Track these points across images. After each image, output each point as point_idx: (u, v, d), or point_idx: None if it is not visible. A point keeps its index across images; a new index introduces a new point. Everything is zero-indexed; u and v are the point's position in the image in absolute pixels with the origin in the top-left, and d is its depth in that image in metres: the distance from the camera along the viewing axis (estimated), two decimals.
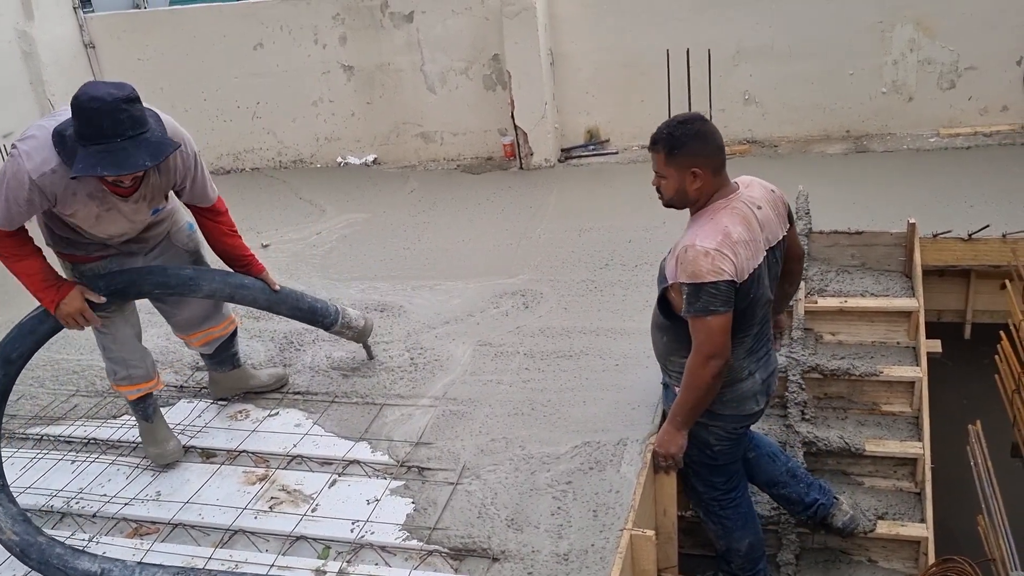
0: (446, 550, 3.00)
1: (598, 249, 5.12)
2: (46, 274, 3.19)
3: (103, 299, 3.29)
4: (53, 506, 3.48)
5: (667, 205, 3.02)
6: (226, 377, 4.00)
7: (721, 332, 2.84)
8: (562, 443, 3.44)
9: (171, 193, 3.38)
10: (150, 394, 3.69)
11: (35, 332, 3.35)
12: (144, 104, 2.92)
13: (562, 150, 6.81)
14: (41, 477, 3.68)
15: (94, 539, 3.27)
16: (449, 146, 7.14)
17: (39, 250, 3.19)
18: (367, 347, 4.16)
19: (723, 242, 2.79)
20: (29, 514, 3.43)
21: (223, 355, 3.94)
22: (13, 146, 2.95)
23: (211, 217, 3.46)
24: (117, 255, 3.40)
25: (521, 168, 6.69)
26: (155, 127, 2.89)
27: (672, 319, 3.06)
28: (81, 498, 3.51)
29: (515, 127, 6.59)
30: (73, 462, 3.76)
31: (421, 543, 3.04)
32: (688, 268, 2.80)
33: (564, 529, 3.01)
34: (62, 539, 3.26)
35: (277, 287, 3.68)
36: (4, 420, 4.02)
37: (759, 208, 2.92)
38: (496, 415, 3.68)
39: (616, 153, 6.69)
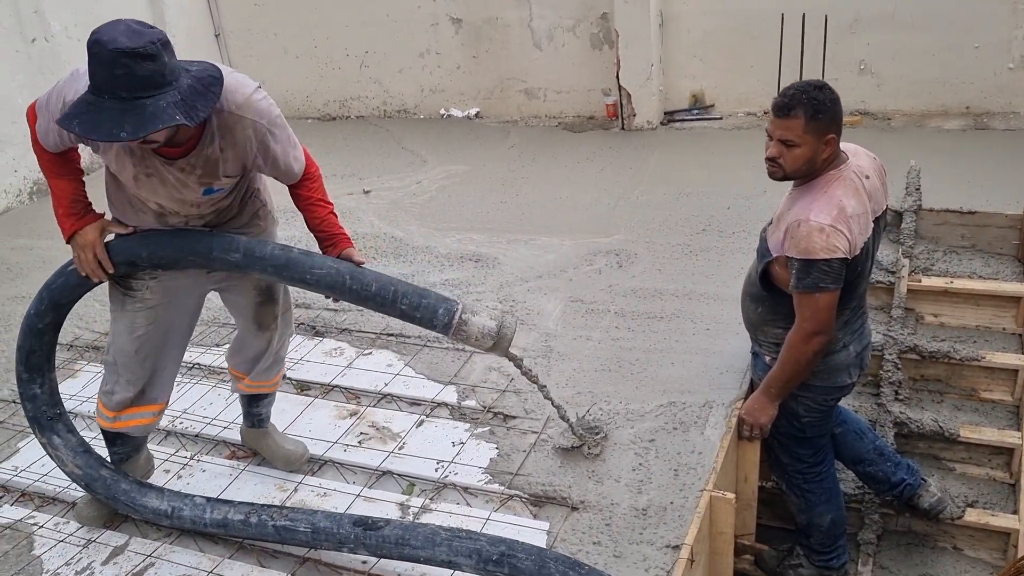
0: (526, 496, 3.06)
1: (695, 214, 5.06)
2: (74, 200, 2.72)
3: (129, 229, 2.74)
4: (159, 424, 3.67)
5: (783, 178, 2.85)
6: (246, 432, 3.45)
7: (828, 309, 2.79)
8: (647, 401, 3.45)
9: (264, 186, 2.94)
10: (130, 436, 3.06)
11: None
12: (209, 62, 2.44)
13: (665, 113, 6.73)
14: None
15: (195, 457, 3.45)
16: (552, 103, 7.13)
17: (79, 176, 2.75)
18: (513, 359, 2.95)
19: (838, 217, 2.72)
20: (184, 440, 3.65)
21: (251, 409, 3.39)
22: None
23: (298, 184, 2.84)
24: None
25: (623, 129, 6.64)
26: (174, 92, 2.27)
27: (770, 290, 3.01)
28: (184, 418, 3.69)
29: (619, 87, 6.53)
30: (178, 384, 3.95)
31: (502, 487, 3.11)
32: (800, 243, 2.74)
33: (644, 485, 3.03)
34: (166, 455, 3.47)
35: (363, 261, 2.90)
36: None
37: (867, 178, 2.84)
38: (583, 370, 3.71)
39: (720, 119, 6.58)
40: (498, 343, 2.78)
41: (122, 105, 2.22)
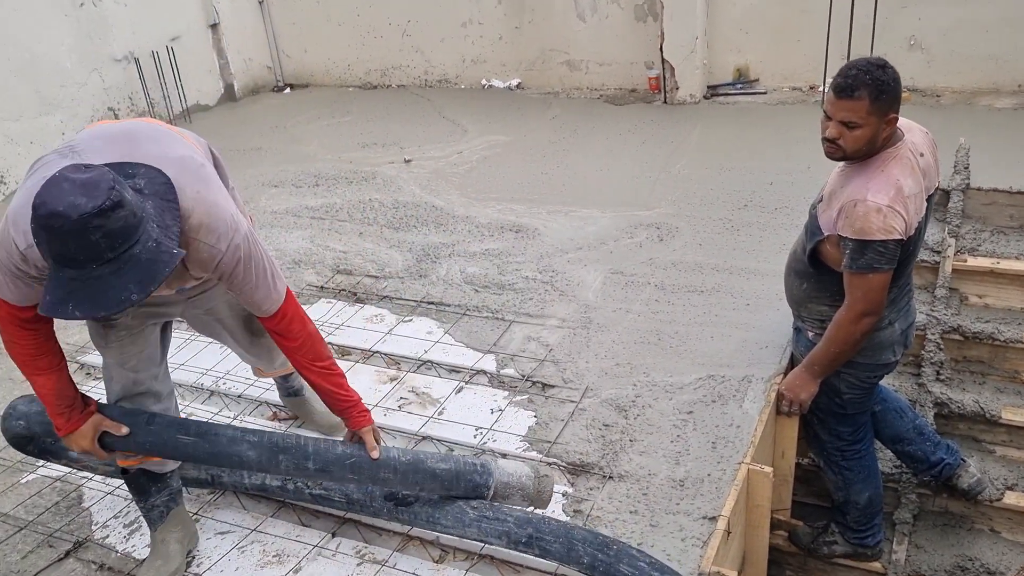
0: (564, 464, 3.09)
1: (737, 189, 5.02)
2: (59, 396, 2.48)
3: (124, 430, 2.54)
4: (203, 384, 3.75)
5: (842, 158, 2.82)
6: (285, 400, 3.48)
7: (880, 290, 2.77)
8: (686, 374, 3.46)
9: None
10: (154, 475, 2.78)
11: None
12: (153, 170, 2.14)
13: (708, 87, 6.65)
14: (193, 357, 3.95)
15: (238, 418, 3.52)
16: (594, 75, 7.08)
17: (59, 362, 2.46)
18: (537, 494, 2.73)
19: (895, 197, 2.68)
20: (182, 389, 3.73)
21: (283, 383, 3.41)
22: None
23: (273, 329, 2.51)
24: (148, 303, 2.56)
25: (665, 102, 6.58)
26: (150, 223, 2.03)
27: (817, 268, 2.99)
28: (228, 379, 3.76)
29: (663, 60, 6.47)
30: (221, 347, 4.02)
31: (540, 455, 3.14)
32: (856, 223, 2.71)
33: (682, 456, 3.04)
34: (209, 415, 3.54)
35: (376, 453, 2.62)
36: None
37: (921, 155, 2.81)
38: (622, 341, 3.72)
39: (764, 93, 6.49)
40: (535, 497, 2.70)
41: (113, 266, 1.97)
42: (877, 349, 3.03)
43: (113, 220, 1.93)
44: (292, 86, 8.28)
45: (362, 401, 2.69)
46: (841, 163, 2.91)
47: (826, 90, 2.84)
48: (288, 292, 2.49)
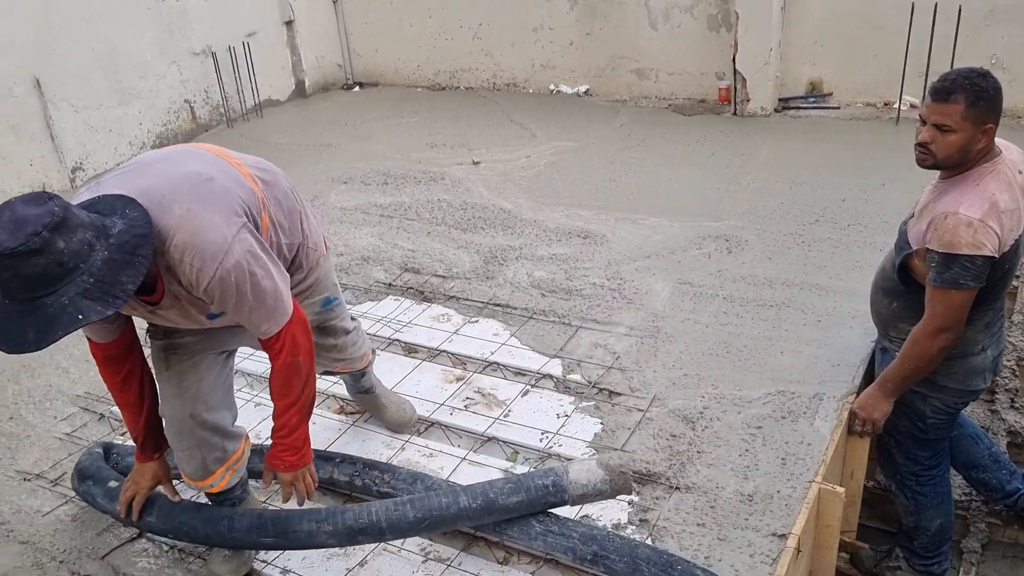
0: (630, 472, 3.07)
1: (809, 204, 4.96)
2: (136, 433, 2.61)
3: (178, 498, 2.73)
4: (266, 375, 3.79)
5: (932, 166, 2.76)
6: (358, 399, 3.45)
7: (962, 307, 2.71)
8: (755, 388, 3.42)
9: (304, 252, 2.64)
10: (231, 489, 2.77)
11: None
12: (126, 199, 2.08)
13: (780, 99, 6.58)
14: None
15: None
16: (663, 84, 7.06)
17: (138, 402, 2.55)
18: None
19: (989, 212, 2.62)
20: (250, 379, 3.79)
21: (351, 383, 3.38)
22: None
23: (264, 346, 2.42)
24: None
25: (735, 114, 6.53)
26: (81, 278, 1.92)
27: (908, 285, 2.93)
28: None
29: (735, 71, 6.42)
30: None
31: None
32: (945, 236, 2.65)
33: (750, 471, 3.01)
34: None
35: (284, 503, 2.65)
36: None
37: (1020, 173, 2.74)
38: (690, 352, 3.70)
39: (838, 108, 6.41)
40: (609, 487, 2.66)
41: (21, 307, 1.91)
42: (969, 375, 2.96)
43: (26, 266, 1.86)
44: (362, 84, 8.38)
45: (300, 451, 2.55)
46: (935, 179, 2.85)
47: (924, 96, 2.80)
48: (295, 316, 2.37)
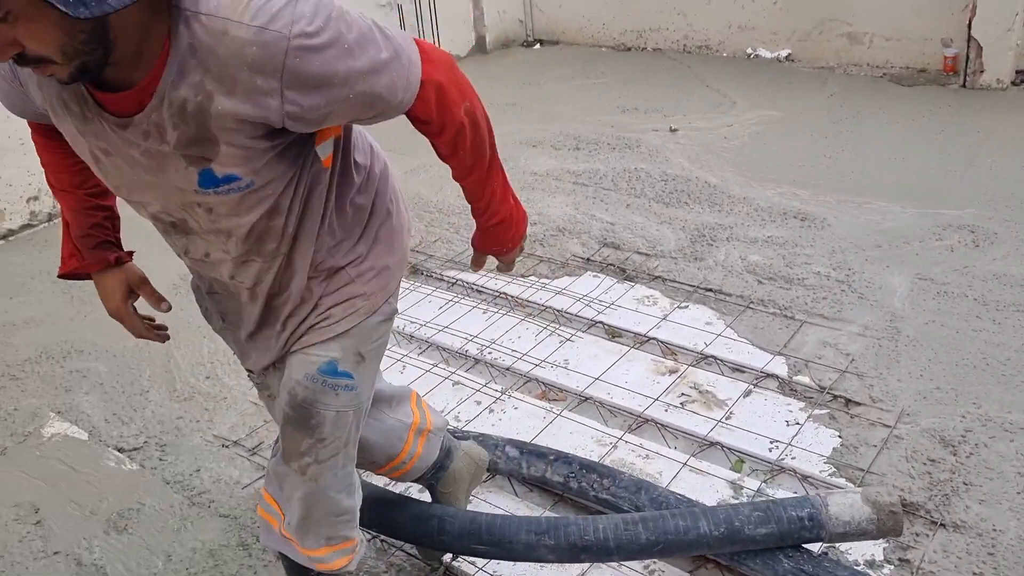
0: (902, 513, 2.67)
1: None
2: (73, 226, 1.90)
3: (165, 306, 1.99)
4: (468, 351, 3.58)
5: None
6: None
7: None
8: None
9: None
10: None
11: None
12: None
13: (1017, 72, 5.85)
14: (456, 320, 3.80)
15: (506, 392, 3.32)
16: (877, 51, 6.41)
17: (80, 180, 1.83)
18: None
19: None
20: (447, 354, 3.58)
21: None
22: None
23: (423, 127, 1.59)
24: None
25: (963, 86, 5.84)
26: None
27: None
28: (493, 348, 3.58)
29: (968, 38, 5.73)
30: (485, 312, 3.85)
31: (851, 484, 2.74)
32: None
33: None
34: (479, 384, 3.36)
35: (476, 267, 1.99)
36: (424, 258, 4.23)
37: None
38: (941, 361, 3.23)
39: None
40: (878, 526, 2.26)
41: None
42: None
43: None
44: (542, 42, 8.07)
45: (517, 219, 1.87)
46: None
47: None
48: (427, 53, 1.52)
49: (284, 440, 1.86)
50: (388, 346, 3.57)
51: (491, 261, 1.98)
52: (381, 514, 2.50)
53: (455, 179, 1.75)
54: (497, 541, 2.38)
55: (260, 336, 1.83)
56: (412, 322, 3.79)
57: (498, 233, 1.86)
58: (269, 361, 1.86)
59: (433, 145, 1.66)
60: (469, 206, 1.83)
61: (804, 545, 2.34)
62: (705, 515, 2.33)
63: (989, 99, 5.60)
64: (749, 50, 6.97)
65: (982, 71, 5.74)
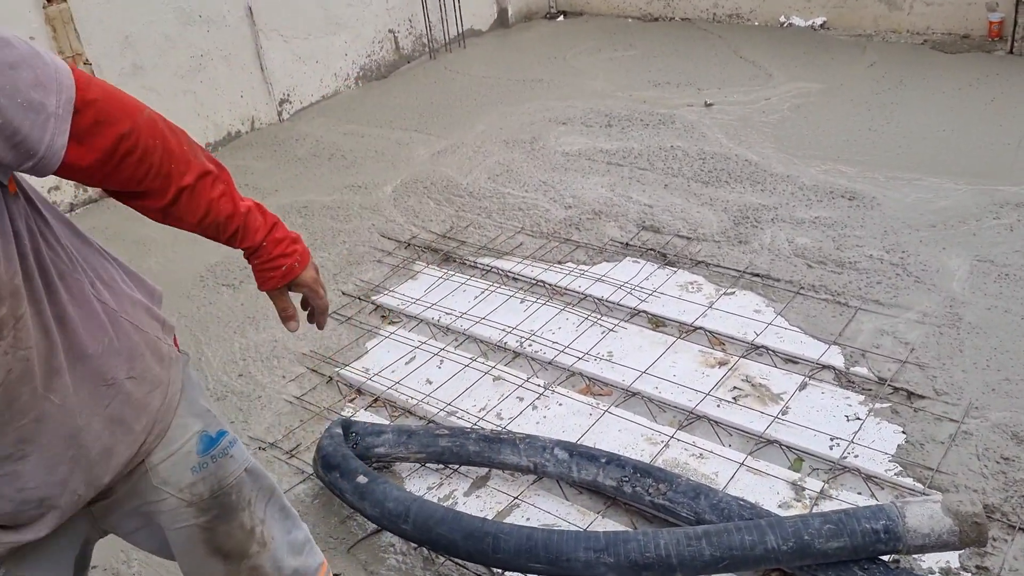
0: (986, 523, 2.53)
1: None
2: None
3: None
4: (507, 343, 3.44)
5: None
6: None
7: None
8: None
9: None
10: None
11: None
12: None
13: None
14: (493, 311, 3.66)
15: (549, 388, 3.19)
16: (917, 16, 6.18)
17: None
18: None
19: None
20: (486, 347, 3.45)
21: None
22: None
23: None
24: None
25: (1011, 52, 5.61)
26: None
27: None
28: (533, 340, 3.44)
29: (1016, 1, 5.49)
30: (523, 301, 3.71)
31: (920, 485, 2.60)
32: None
33: None
34: (520, 380, 3.23)
35: (293, 325, 1.82)
36: (456, 245, 4.09)
37: None
38: (1008, 350, 3.07)
39: None
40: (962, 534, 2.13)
41: None
42: None
43: None
44: (565, 13, 7.85)
45: (288, 235, 1.68)
46: None
47: None
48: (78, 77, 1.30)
49: (225, 554, 1.64)
50: (425, 339, 3.44)
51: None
52: (432, 532, 2.38)
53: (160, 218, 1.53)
54: (555, 559, 2.26)
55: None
56: (448, 313, 3.66)
57: (282, 253, 1.66)
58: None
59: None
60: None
61: (879, 554, 2.21)
62: (773, 528, 2.19)
63: None
64: (782, 18, 6.74)
65: None
